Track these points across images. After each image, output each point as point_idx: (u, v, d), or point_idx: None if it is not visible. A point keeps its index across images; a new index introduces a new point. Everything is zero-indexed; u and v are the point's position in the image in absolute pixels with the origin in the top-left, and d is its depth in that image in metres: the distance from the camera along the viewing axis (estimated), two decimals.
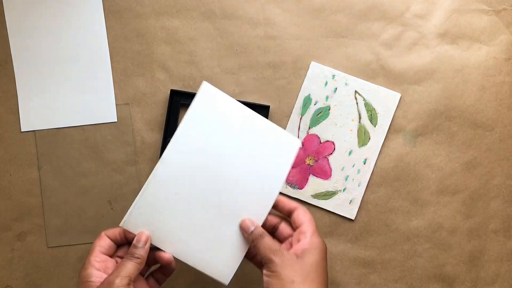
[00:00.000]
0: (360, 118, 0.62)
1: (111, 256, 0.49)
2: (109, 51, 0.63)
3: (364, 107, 0.62)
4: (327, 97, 0.62)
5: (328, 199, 0.62)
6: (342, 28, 0.63)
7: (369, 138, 0.62)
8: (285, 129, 0.62)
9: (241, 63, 0.63)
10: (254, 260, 0.52)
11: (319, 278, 0.45)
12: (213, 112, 0.51)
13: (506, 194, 0.63)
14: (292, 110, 0.62)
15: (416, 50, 0.63)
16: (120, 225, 0.49)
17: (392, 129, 0.63)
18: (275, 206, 0.51)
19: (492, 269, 0.63)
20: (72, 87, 0.62)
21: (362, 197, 0.62)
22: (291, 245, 0.49)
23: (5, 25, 0.62)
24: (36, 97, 0.62)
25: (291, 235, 0.50)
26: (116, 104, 0.63)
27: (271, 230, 0.52)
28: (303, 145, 0.62)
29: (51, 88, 0.62)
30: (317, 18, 0.63)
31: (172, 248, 0.49)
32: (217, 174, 0.50)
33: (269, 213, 0.52)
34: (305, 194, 0.62)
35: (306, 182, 0.62)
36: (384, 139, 0.63)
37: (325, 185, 0.62)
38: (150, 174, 0.50)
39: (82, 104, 0.62)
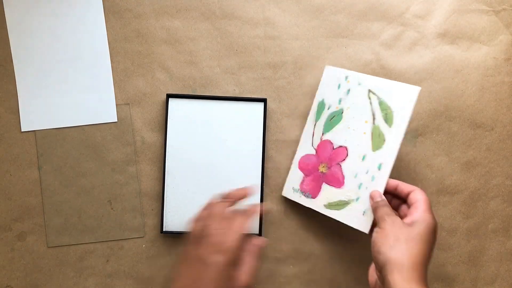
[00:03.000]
0: (374, 119, 0.56)
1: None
2: (109, 51, 0.63)
3: (378, 107, 0.56)
4: (340, 100, 0.59)
5: (340, 209, 0.57)
6: (342, 28, 0.63)
7: (384, 141, 0.55)
8: (299, 134, 0.63)
9: (241, 63, 0.63)
10: None
11: (422, 244, 0.47)
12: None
13: (506, 194, 0.63)
14: (308, 117, 0.62)
15: (416, 50, 0.63)
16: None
17: None
18: (395, 191, 0.54)
19: (492, 269, 0.63)
20: (72, 87, 0.62)
21: None
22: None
23: (5, 25, 0.62)
24: (36, 97, 0.62)
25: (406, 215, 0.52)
26: (116, 104, 0.63)
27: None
28: (316, 152, 0.60)
29: (51, 88, 0.62)
30: (317, 18, 0.63)
31: None
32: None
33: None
34: (317, 203, 0.59)
35: (319, 190, 0.59)
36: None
37: (338, 194, 0.58)
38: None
39: (82, 104, 0.62)
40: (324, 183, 0.59)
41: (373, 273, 0.51)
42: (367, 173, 0.56)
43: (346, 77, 0.59)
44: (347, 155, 0.58)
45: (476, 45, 0.63)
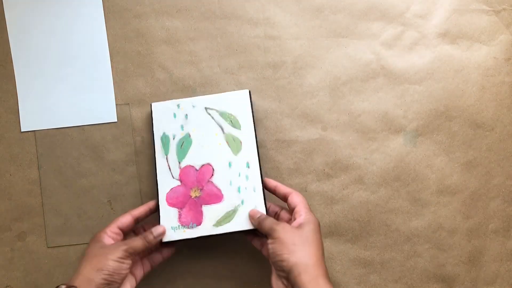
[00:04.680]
0: (222, 129, 0.59)
1: (123, 234, 0.56)
2: (109, 51, 0.63)
3: (221, 118, 0.59)
4: (182, 126, 0.59)
5: (231, 220, 0.57)
6: (342, 28, 0.63)
7: (241, 142, 0.59)
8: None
9: (241, 63, 0.63)
10: (254, 241, 0.59)
11: (315, 242, 0.51)
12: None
13: (506, 194, 0.63)
14: (155, 155, 0.59)
15: (417, 50, 0.63)
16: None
17: (393, 129, 0.63)
18: (274, 192, 0.58)
19: (492, 269, 0.63)
20: (72, 87, 0.62)
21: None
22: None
23: (5, 25, 0.62)
24: (36, 97, 0.62)
25: (290, 218, 0.56)
26: (116, 104, 0.63)
27: (274, 216, 0.59)
28: (181, 182, 0.58)
29: (51, 88, 0.62)
30: (317, 18, 0.63)
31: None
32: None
33: (270, 202, 0.59)
34: (206, 227, 0.57)
35: (202, 215, 0.57)
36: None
37: (222, 209, 0.57)
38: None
39: (82, 104, 0.62)
40: (203, 206, 0.58)
41: (277, 281, 0.51)
42: (239, 175, 0.58)
43: (178, 105, 0.60)
44: (213, 169, 0.58)
45: (477, 45, 0.63)
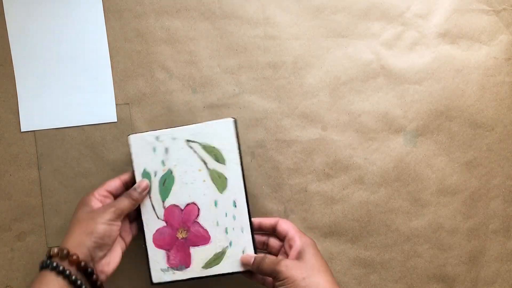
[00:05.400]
0: (206, 164, 0.55)
1: (114, 195, 0.55)
2: (109, 51, 0.63)
3: (204, 151, 0.55)
4: (163, 162, 0.56)
5: (220, 262, 0.56)
6: (342, 28, 0.63)
7: (226, 179, 0.55)
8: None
9: (241, 63, 0.63)
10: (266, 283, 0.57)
11: (322, 267, 0.51)
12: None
13: (506, 194, 0.63)
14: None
15: (417, 50, 0.63)
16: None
17: (393, 129, 0.63)
18: (260, 228, 0.57)
19: (492, 269, 0.63)
20: (72, 87, 0.62)
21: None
22: (286, 255, 0.54)
23: (5, 25, 0.62)
24: (36, 97, 0.62)
25: (281, 246, 0.56)
26: (116, 104, 0.63)
27: (262, 246, 0.58)
28: (167, 222, 0.56)
29: (51, 88, 0.62)
30: (317, 18, 0.63)
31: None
32: None
33: (256, 234, 0.57)
34: (195, 269, 0.56)
35: (190, 257, 0.56)
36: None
37: (210, 250, 0.56)
38: None
39: (82, 104, 0.62)
40: (191, 247, 0.56)
41: None
42: (226, 215, 0.56)
43: (157, 138, 0.56)
44: (198, 209, 0.56)
45: (477, 45, 0.63)
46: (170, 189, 0.56)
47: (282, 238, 0.56)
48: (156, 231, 0.57)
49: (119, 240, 0.55)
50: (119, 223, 0.52)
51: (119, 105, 0.63)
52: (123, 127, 0.63)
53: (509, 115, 0.63)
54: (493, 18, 0.63)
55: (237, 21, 0.63)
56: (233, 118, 0.56)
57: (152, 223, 0.57)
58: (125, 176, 0.57)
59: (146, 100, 0.63)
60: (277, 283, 0.51)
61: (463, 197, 0.63)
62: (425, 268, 0.63)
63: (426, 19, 0.63)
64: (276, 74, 0.63)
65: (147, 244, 0.57)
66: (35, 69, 0.62)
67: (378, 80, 0.63)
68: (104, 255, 0.52)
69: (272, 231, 0.57)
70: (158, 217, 0.56)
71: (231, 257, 0.56)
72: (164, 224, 0.56)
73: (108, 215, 0.51)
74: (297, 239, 0.53)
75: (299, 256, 0.52)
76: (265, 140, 0.63)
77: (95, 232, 0.50)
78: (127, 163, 0.62)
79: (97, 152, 0.62)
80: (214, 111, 0.63)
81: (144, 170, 0.56)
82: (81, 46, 0.63)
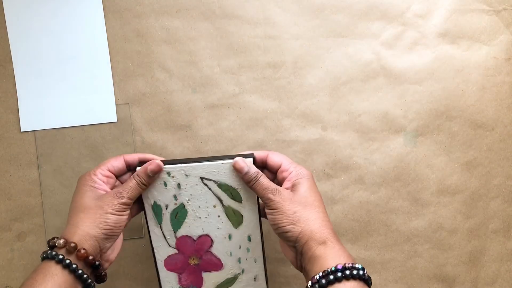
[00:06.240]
0: (221, 201, 0.53)
1: (116, 176, 0.53)
2: (109, 51, 0.63)
3: (219, 189, 0.53)
4: (175, 197, 0.53)
5: (231, 285, 0.56)
6: (342, 28, 0.63)
7: (242, 216, 0.53)
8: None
9: (241, 63, 0.63)
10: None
11: (315, 202, 0.50)
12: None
13: (506, 194, 0.63)
14: (148, 224, 0.55)
15: (417, 49, 0.63)
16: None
17: (393, 129, 0.63)
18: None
19: (492, 269, 0.63)
20: (72, 87, 0.62)
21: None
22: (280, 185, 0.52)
23: (5, 25, 0.62)
24: (36, 97, 0.62)
25: (273, 179, 0.53)
26: (116, 104, 0.63)
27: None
28: (178, 250, 0.55)
29: (51, 88, 0.62)
30: (317, 17, 0.63)
31: None
32: None
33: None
34: None
35: (202, 280, 0.56)
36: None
37: (222, 275, 0.55)
38: None
39: (82, 104, 0.62)
40: (202, 272, 0.56)
41: (285, 248, 0.51)
42: (240, 248, 0.55)
43: (169, 174, 0.52)
44: (212, 240, 0.54)
45: (477, 45, 0.63)
46: (183, 222, 0.54)
47: (274, 171, 0.53)
48: (168, 257, 0.55)
49: None
50: (128, 211, 0.50)
51: (119, 105, 0.63)
52: (123, 127, 0.63)
53: (509, 115, 0.63)
54: (493, 18, 0.63)
55: (237, 21, 0.63)
56: (251, 153, 0.52)
57: (163, 250, 0.55)
58: (129, 157, 0.53)
59: (146, 100, 0.63)
60: (268, 211, 0.50)
61: (463, 197, 0.63)
62: (425, 268, 0.63)
63: (426, 19, 0.63)
64: (276, 74, 0.63)
65: (158, 267, 0.55)
66: (35, 69, 0.62)
67: (378, 80, 0.63)
68: (111, 245, 0.50)
69: (262, 166, 0.54)
70: (169, 245, 0.55)
71: (242, 282, 0.56)
72: (175, 251, 0.55)
73: (118, 204, 0.49)
74: (292, 169, 0.51)
75: (293, 188, 0.50)
76: (265, 140, 0.63)
77: (105, 224, 0.48)
78: None
79: (97, 152, 0.62)
80: (214, 111, 0.63)
81: (155, 203, 0.54)
82: (81, 46, 0.63)
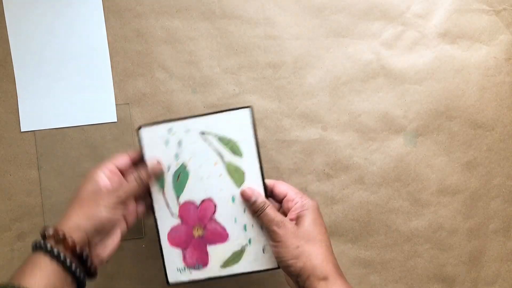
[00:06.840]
0: (222, 157, 0.53)
1: (121, 172, 0.53)
2: (109, 51, 0.63)
3: (219, 144, 0.53)
4: (176, 156, 0.53)
5: (239, 261, 0.53)
6: (342, 28, 0.63)
7: (243, 173, 0.53)
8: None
9: (241, 63, 0.63)
10: None
11: (319, 234, 0.50)
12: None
13: (506, 194, 0.63)
14: (151, 190, 0.54)
15: (417, 50, 0.63)
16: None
17: (393, 129, 0.63)
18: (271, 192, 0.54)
19: (492, 269, 0.63)
20: (72, 87, 0.62)
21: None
22: (285, 215, 0.52)
23: (5, 25, 0.62)
24: (36, 97, 0.62)
25: (279, 208, 0.54)
26: (116, 104, 0.63)
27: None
28: (182, 220, 0.54)
29: (51, 88, 0.62)
30: (317, 17, 0.63)
31: None
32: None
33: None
34: (213, 269, 0.54)
35: (207, 256, 0.54)
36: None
37: (228, 248, 0.53)
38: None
39: (82, 104, 0.62)
40: (208, 245, 0.54)
41: (290, 280, 0.51)
42: (244, 212, 0.53)
43: (169, 130, 0.53)
44: (215, 205, 0.53)
45: (477, 45, 0.63)
46: (185, 185, 0.54)
47: (280, 200, 0.53)
48: (171, 229, 0.54)
49: (121, 221, 0.51)
50: (123, 207, 0.50)
51: (119, 105, 0.63)
52: (123, 127, 0.63)
53: (509, 115, 0.63)
54: (493, 18, 0.63)
55: (237, 21, 0.63)
56: (249, 106, 0.53)
57: (166, 221, 0.54)
58: (134, 154, 0.54)
59: (146, 100, 0.63)
60: (272, 243, 0.50)
61: (463, 197, 0.63)
62: (425, 268, 0.63)
63: (426, 19, 0.63)
64: (276, 74, 0.63)
65: (162, 243, 0.54)
66: (35, 69, 0.62)
67: (378, 80, 0.63)
68: (102, 239, 0.49)
69: (269, 194, 0.54)
70: (172, 215, 0.54)
71: (250, 256, 0.53)
72: (179, 221, 0.54)
73: (113, 198, 0.48)
74: (298, 200, 0.51)
75: (298, 220, 0.50)
76: (265, 140, 0.63)
77: (96, 217, 0.47)
78: None
79: (97, 152, 0.62)
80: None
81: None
82: (81, 46, 0.63)
